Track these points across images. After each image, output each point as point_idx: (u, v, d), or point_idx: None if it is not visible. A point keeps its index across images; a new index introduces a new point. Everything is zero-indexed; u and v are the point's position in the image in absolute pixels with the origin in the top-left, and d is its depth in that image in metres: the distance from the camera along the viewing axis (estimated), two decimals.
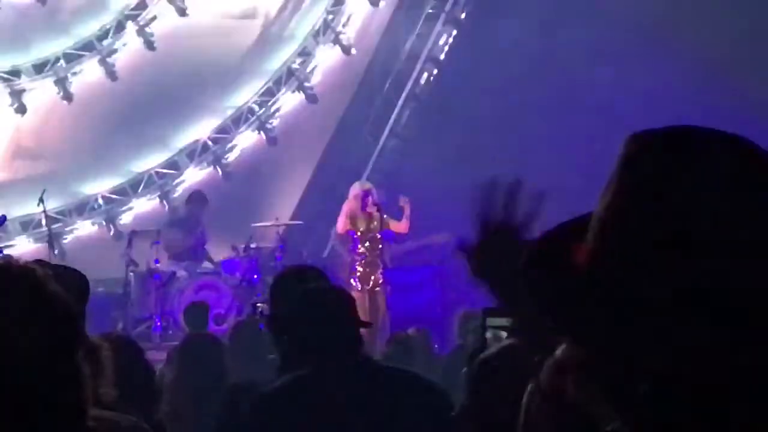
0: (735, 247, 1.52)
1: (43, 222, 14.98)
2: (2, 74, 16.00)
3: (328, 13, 17.18)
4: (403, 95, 17.62)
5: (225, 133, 17.17)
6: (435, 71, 17.74)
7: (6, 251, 13.78)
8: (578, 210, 1.75)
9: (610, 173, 1.64)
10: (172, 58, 16.40)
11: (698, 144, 1.63)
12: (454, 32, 17.49)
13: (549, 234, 1.73)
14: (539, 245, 1.73)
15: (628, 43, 15.52)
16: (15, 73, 15.94)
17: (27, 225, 15.34)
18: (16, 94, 15.88)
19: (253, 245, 15.26)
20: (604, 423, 1.89)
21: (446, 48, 17.61)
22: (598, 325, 1.54)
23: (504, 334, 5.59)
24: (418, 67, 17.50)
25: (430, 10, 17.57)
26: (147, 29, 16.20)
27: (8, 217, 14.30)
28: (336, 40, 17.08)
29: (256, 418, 4.36)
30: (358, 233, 13.95)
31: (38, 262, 4.16)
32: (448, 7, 17.44)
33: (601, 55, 15.33)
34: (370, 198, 14.12)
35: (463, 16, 17.49)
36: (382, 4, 17.19)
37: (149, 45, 16.14)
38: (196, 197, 15.64)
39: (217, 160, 17.07)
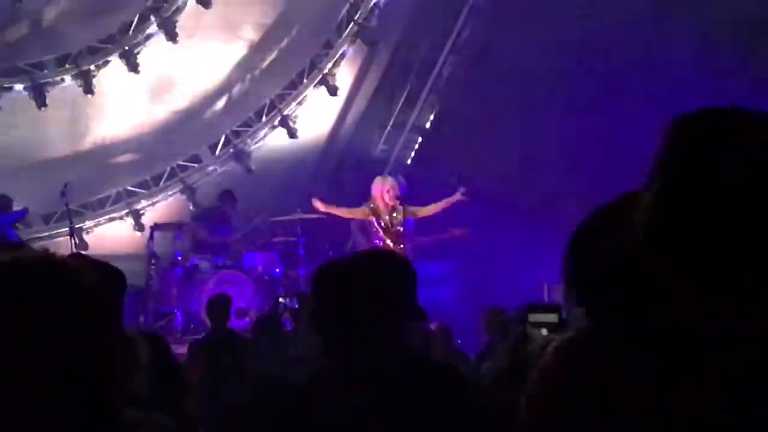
0: None
1: (66, 215, 14.94)
2: (26, 67, 15.99)
3: (351, 6, 17.01)
4: (426, 89, 17.58)
5: (247, 126, 17.16)
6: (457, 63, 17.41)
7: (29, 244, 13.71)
8: None
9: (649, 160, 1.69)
10: (193, 50, 16.48)
11: (738, 125, 1.69)
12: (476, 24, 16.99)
13: (588, 218, 1.84)
14: (581, 231, 1.83)
15: None
16: (39, 65, 15.96)
17: (49, 218, 15.39)
18: (39, 88, 15.89)
19: (274, 239, 15.36)
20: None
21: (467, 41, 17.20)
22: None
23: (543, 330, 5.61)
24: (441, 60, 17.38)
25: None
26: (170, 21, 16.12)
27: (31, 210, 14.53)
28: (358, 34, 17.00)
29: (285, 410, 4.18)
30: (377, 221, 14.01)
31: (77, 255, 4.26)
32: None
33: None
34: (393, 191, 14.15)
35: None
36: None
37: (171, 37, 16.17)
38: (227, 196, 15.70)
39: (239, 154, 17.10)
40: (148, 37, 16.31)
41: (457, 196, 14.15)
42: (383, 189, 14.05)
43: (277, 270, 14.85)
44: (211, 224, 15.38)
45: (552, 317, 6.13)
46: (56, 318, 1.95)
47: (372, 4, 16.93)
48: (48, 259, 2.09)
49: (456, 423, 3.95)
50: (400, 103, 17.58)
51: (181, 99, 16.68)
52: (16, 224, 14.28)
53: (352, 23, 17.04)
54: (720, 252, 1.68)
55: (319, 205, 14.44)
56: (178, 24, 16.15)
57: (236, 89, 17.07)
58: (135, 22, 16.15)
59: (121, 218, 16.81)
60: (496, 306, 10.16)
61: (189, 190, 16.89)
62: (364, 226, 14.46)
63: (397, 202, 14.06)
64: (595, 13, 14.94)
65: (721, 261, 1.68)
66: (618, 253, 1.71)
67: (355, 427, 3.88)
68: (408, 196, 14.54)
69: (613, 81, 15.24)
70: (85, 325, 1.99)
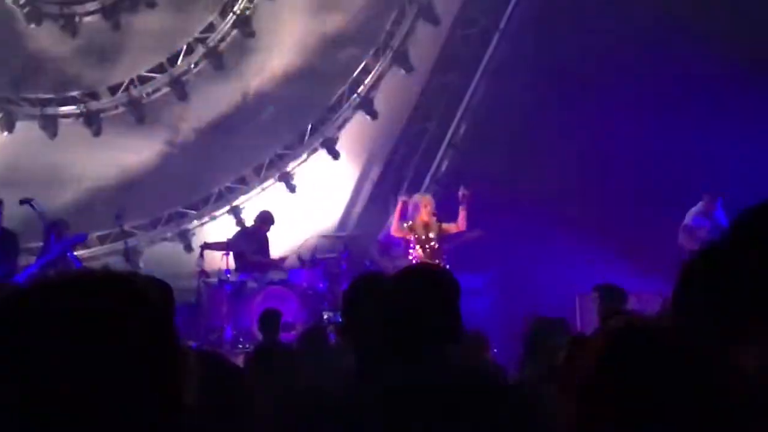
0: None
1: (120, 236, 15.08)
2: (81, 97, 16.07)
3: (389, 32, 16.93)
4: (459, 112, 17.44)
5: (291, 148, 17.15)
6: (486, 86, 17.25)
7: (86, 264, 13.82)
8: None
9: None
10: (239, 77, 16.47)
11: None
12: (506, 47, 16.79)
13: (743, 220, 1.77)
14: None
15: None
16: (92, 95, 16.05)
17: (105, 239, 15.47)
18: (94, 115, 16.06)
19: (318, 255, 15.39)
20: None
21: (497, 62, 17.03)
22: None
23: None
24: (474, 83, 17.21)
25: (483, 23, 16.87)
26: (215, 51, 16.21)
27: (88, 233, 14.49)
28: (396, 59, 16.89)
29: (324, 421, 4.12)
30: (414, 238, 14.05)
31: (131, 273, 4.30)
32: (502, 24, 16.92)
33: None
34: (428, 208, 14.14)
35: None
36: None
37: (217, 66, 16.24)
38: (264, 217, 15.72)
39: (283, 175, 17.11)
40: (196, 65, 16.32)
41: (464, 193, 14.28)
42: (421, 206, 14.13)
43: (321, 285, 14.85)
44: (251, 243, 15.48)
45: None
46: (129, 329, 1.94)
47: (405, 31, 16.76)
48: (119, 276, 2.07)
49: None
50: (435, 124, 17.42)
51: (226, 123, 16.63)
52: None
53: (389, 50, 16.88)
54: None
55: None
56: (224, 54, 16.14)
57: (280, 110, 16.94)
58: (183, 52, 16.19)
59: (172, 238, 16.81)
60: (542, 316, 9.64)
61: (235, 211, 16.94)
62: (389, 247, 14.74)
63: (434, 218, 14.07)
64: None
65: None
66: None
67: (401, 401, 3.78)
68: (440, 212, 14.50)
69: (646, 87, 14.70)
70: (153, 336, 2.01)
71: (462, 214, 14.37)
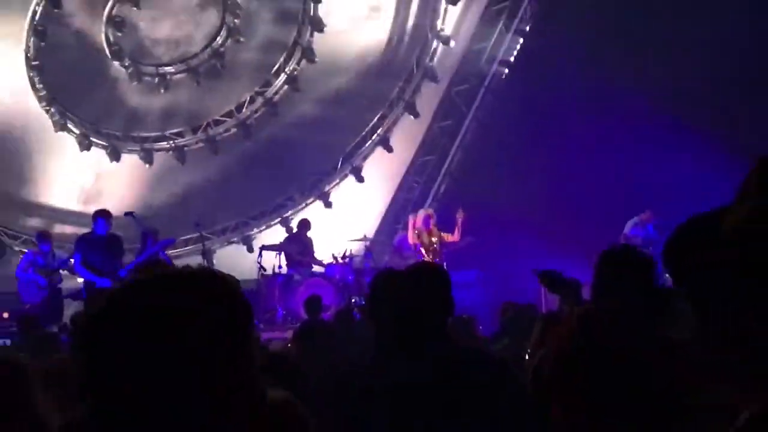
0: None
1: (198, 240, 15.05)
2: (171, 135, 16.18)
3: (401, 88, 16.79)
4: (453, 148, 17.44)
5: (327, 175, 17.24)
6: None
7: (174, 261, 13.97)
8: None
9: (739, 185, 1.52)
10: (290, 121, 16.50)
11: None
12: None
13: (684, 227, 1.61)
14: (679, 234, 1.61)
15: None
16: (179, 133, 16.17)
17: (187, 242, 15.49)
18: (180, 149, 16.19)
19: (348, 254, 15.28)
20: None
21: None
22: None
23: None
24: (465, 126, 17.19)
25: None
26: (271, 101, 16.20)
27: (175, 238, 14.53)
28: (406, 107, 16.82)
29: (341, 391, 4.01)
30: (423, 245, 14.00)
31: (206, 268, 4.14)
32: (486, 81, 16.86)
33: None
34: (431, 220, 14.20)
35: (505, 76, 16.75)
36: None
37: (274, 113, 16.24)
38: (303, 223, 15.70)
39: (321, 195, 17.20)
40: (256, 112, 16.32)
41: (460, 215, 14.08)
42: (425, 217, 14.16)
43: (350, 277, 14.84)
44: (296, 245, 15.37)
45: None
46: (197, 329, 1.79)
47: (413, 88, 16.64)
48: (213, 271, 1.91)
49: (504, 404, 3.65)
50: (436, 157, 17.43)
51: (278, 156, 16.53)
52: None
53: (401, 101, 16.79)
54: None
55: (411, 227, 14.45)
56: (277, 104, 16.16)
57: (319, 145, 16.74)
58: (247, 102, 16.17)
59: (237, 242, 16.84)
60: (508, 301, 9.84)
61: (285, 221, 16.96)
62: (400, 249, 14.70)
63: (435, 227, 14.11)
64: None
65: None
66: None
67: (406, 396, 3.61)
68: (439, 222, 14.55)
69: (598, 129, 14.32)
70: (242, 320, 1.87)
71: (457, 228, 14.28)
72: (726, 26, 13.06)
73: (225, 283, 1.85)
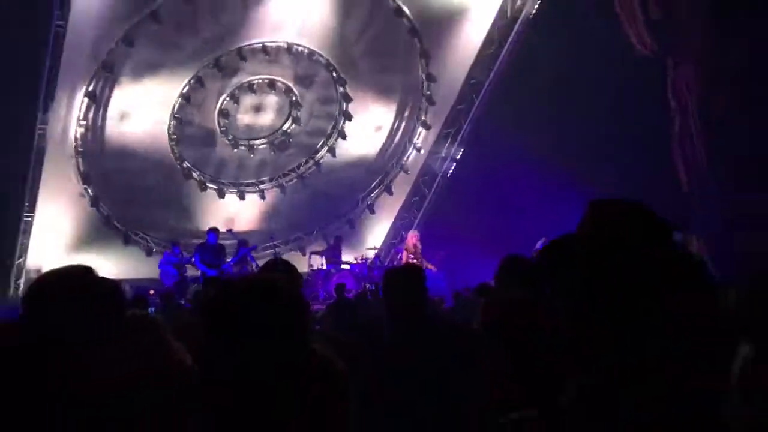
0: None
1: (272, 247, 15.15)
2: (257, 182, 15.90)
3: (397, 159, 16.62)
4: (435, 184, 17.09)
5: (351, 208, 16.92)
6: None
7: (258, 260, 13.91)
8: None
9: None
10: (328, 177, 16.17)
11: (619, 212, 1.34)
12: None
13: (550, 245, 1.50)
14: (548, 250, 1.49)
15: None
16: (261, 181, 15.91)
17: (265, 248, 15.21)
18: (261, 191, 15.86)
19: (364, 258, 15.46)
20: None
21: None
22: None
23: None
24: (444, 166, 16.87)
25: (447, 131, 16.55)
26: (318, 163, 15.97)
27: (257, 245, 14.64)
28: (401, 168, 16.66)
29: (370, 339, 3.73)
30: (411, 259, 13.72)
31: (285, 263, 4.06)
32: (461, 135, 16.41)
33: None
34: (416, 239, 14.29)
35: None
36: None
37: (318, 170, 16.06)
38: (337, 237, 15.90)
39: (347, 221, 16.92)
40: (309, 169, 15.94)
41: (439, 253, 14.12)
42: (415, 239, 14.23)
43: (365, 272, 14.82)
44: (332, 252, 15.51)
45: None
46: (277, 310, 1.73)
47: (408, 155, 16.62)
48: (274, 279, 1.84)
49: (458, 342, 3.40)
50: (419, 198, 17.27)
51: (322, 193, 16.21)
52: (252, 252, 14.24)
53: (398, 168, 16.72)
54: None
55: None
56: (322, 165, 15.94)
57: (346, 190, 16.57)
58: (302, 163, 15.86)
59: (294, 248, 16.53)
60: (458, 290, 10.18)
61: (325, 236, 16.56)
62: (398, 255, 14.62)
63: (419, 249, 13.98)
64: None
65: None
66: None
67: (409, 351, 3.41)
68: (424, 240, 14.46)
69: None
70: (302, 306, 1.85)
71: (435, 261, 14.16)
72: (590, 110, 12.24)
73: (285, 287, 1.82)
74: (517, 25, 14.44)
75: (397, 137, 16.42)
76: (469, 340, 3.30)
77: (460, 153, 16.45)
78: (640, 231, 1.30)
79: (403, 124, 16.23)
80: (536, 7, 14.14)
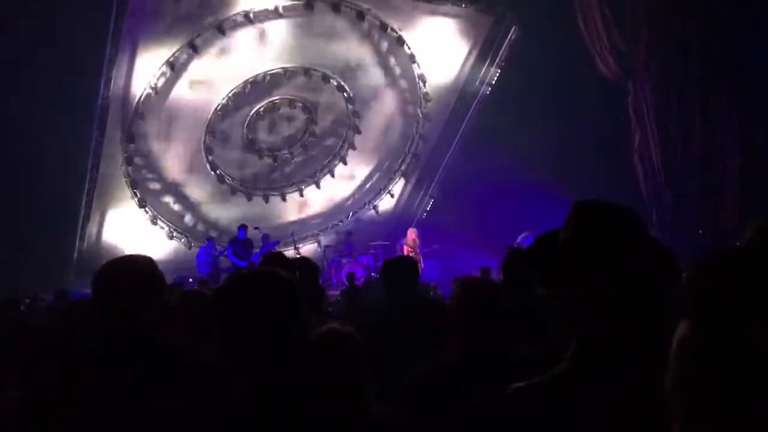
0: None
1: (293, 242, 14.86)
2: (278, 186, 15.83)
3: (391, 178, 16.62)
4: (430, 188, 17.01)
5: (361, 209, 16.87)
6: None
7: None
8: None
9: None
10: (340, 183, 16.20)
11: (600, 212, 1.26)
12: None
13: (540, 238, 1.39)
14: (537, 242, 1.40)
15: None
16: (283, 186, 15.80)
17: (287, 243, 14.93)
18: (283, 195, 15.83)
19: (371, 250, 15.41)
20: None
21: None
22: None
23: None
24: (438, 176, 16.67)
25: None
26: (332, 170, 15.92)
27: (280, 240, 14.46)
28: (404, 176, 16.63)
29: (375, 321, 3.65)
30: (411, 252, 13.68)
31: (303, 258, 3.97)
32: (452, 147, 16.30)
33: None
34: (415, 234, 14.35)
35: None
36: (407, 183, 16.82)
37: (332, 175, 16.02)
38: (349, 234, 15.84)
39: (357, 219, 16.84)
40: (325, 174, 15.98)
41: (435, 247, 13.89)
42: (414, 234, 14.30)
43: (372, 263, 14.80)
44: (345, 246, 15.58)
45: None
46: (288, 293, 1.60)
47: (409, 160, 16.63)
48: (275, 272, 1.65)
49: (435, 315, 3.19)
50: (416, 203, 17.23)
51: (333, 203, 16.40)
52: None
53: (399, 172, 16.69)
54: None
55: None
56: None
57: (356, 196, 16.62)
58: (319, 169, 15.82)
59: (312, 242, 16.49)
60: (458, 276, 10.04)
61: (338, 233, 16.57)
62: (401, 248, 14.19)
63: (418, 242, 14.00)
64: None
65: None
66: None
67: (404, 324, 3.39)
68: (422, 236, 14.49)
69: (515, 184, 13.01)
70: (297, 297, 1.63)
71: (431, 253, 14.13)
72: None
73: (284, 277, 1.65)
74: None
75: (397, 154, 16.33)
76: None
77: (450, 167, 16.34)
78: (621, 227, 1.25)
79: (403, 143, 16.15)
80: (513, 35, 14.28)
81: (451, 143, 16.14)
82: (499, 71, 14.71)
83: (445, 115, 15.93)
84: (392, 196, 16.73)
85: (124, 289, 1.77)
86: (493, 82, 14.88)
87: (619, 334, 1.19)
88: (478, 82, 15.13)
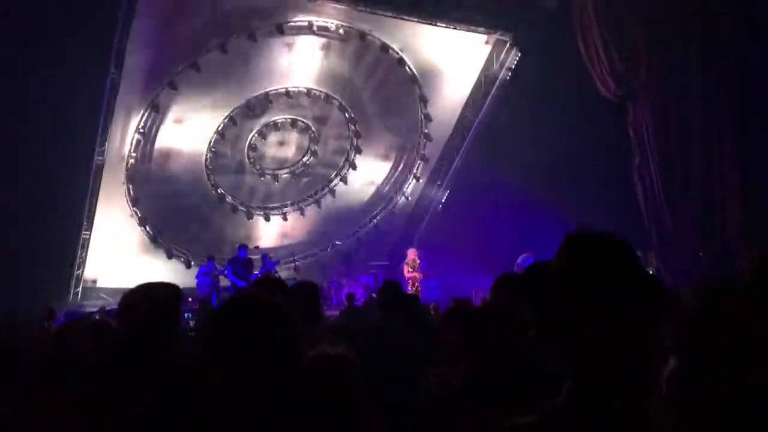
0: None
1: (291, 262, 15.02)
2: (280, 206, 15.90)
3: (393, 195, 16.73)
4: (428, 215, 17.04)
5: (360, 228, 16.79)
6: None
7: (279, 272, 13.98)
8: None
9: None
10: (340, 201, 16.18)
11: (592, 244, 1.26)
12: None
13: (532, 267, 1.40)
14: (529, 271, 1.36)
15: None
16: (284, 205, 15.88)
17: (286, 263, 15.06)
18: (284, 214, 15.79)
19: (371, 272, 15.52)
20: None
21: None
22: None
23: None
24: (422, 225, 16.97)
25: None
26: (332, 189, 15.91)
27: (280, 260, 14.50)
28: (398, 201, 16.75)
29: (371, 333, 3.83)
30: (411, 272, 13.66)
31: (305, 281, 3.87)
32: (444, 185, 16.47)
33: None
34: (415, 254, 14.19)
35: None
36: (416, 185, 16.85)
37: (333, 195, 16.05)
38: (348, 256, 15.96)
39: (356, 239, 16.80)
40: (325, 194, 16.04)
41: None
42: (414, 254, 14.20)
43: (372, 283, 14.84)
44: (345, 266, 15.63)
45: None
46: (280, 315, 1.59)
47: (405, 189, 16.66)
48: (266, 299, 1.63)
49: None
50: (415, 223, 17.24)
51: (333, 218, 16.21)
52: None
53: (399, 195, 16.75)
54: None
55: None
56: (336, 190, 15.96)
57: (355, 213, 16.51)
58: (319, 189, 15.87)
59: (312, 264, 16.30)
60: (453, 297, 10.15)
61: (338, 252, 16.56)
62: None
63: (418, 261, 13.91)
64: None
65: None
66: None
67: (399, 341, 3.51)
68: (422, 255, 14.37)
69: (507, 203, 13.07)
70: (289, 320, 1.61)
71: (431, 273, 14.12)
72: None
73: (276, 305, 1.62)
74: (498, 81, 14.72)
75: (399, 168, 16.41)
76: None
77: (451, 185, 16.44)
78: (612, 260, 1.24)
79: (404, 156, 16.26)
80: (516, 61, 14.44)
81: (453, 162, 16.26)
82: (500, 91, 14.87)
83: (446, 134, 16.06)
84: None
85: (146, 315, 1.89)
86: (495, 101, 15.05)
87: (613, 368, 1.18)
88: (479, 101, 15.26)
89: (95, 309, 11.75)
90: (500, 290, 3.34)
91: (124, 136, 13.38)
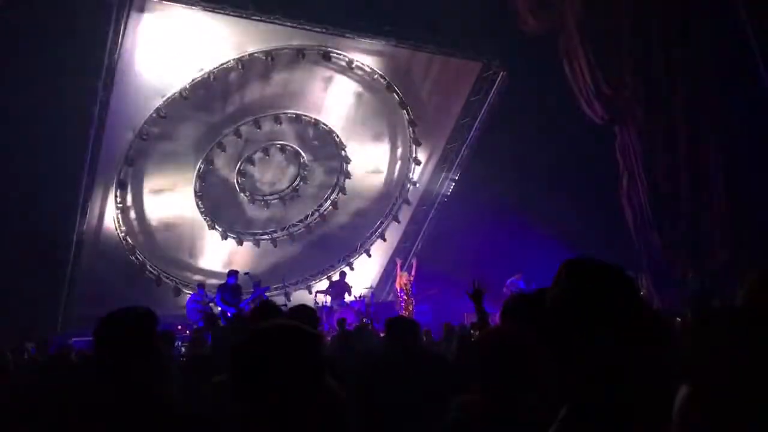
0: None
1: (283, 288, 14.93)
2: (269, 231, 15.78)
3: (389, 211, 16.64)
4: (419, 240, 17.01)
5: (351, 253, 16.72)
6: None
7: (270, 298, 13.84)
8: None
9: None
10: (331, 226, 16.24)
11: (591, 274, 1.24)
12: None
13: (527, 294, 1.35)
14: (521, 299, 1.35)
15: None
16: (273, 230, 15.76)
17: (277, 288, 15.11)
18: (274, 239, 15.73)
19: (362, 295, 15.33)
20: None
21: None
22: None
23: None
24: (425, 226, 16.82)
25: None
26: (322, 215, 15.98)
27: (270, 285, 14.38)
28: (394, 218, 16.53)
29: (370, 365, 3.85)
30: (403, 286, 13.66)
31: (303, 306, 3.76)
32: (435, 204, 16.46)
33: None
34: (406, 279, 14.27)
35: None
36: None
37: (323, 220, 16.03)
38: (342, 274, 15.75)
39: (348, 264, 16.76)
40: (315, 219, 15.99)
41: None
42: (405, 278, 14.13)
43: (363, 309, 14.73)
44: (336, 290, 15.37)
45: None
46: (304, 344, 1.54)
47: (397, 207, 16.43)
48: (291, 325, 1.56)
49: (438, 369, 3.66)
50: (410, 243, 17.06)
51: (325, 242, 16.12)
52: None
53: (390, 215, 16.60)
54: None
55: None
56: (327, 215, 15.93)
57: (347, 237, 16.47)
58: (309, 214, 15.81)
59: (302, 288, 16.37)
60: (447, 322, 9.89)
61: (329, 277, 16.45)
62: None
63: (411, 281, 13.88)
64: None
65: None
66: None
67: (399, 373, 3.50)
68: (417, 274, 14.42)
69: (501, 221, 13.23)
70: (312, 345, 1.55)
71: (422, 297, 14.25)
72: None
73: (300, 331, 1.58)
74: (489, 98, 14.75)
75: (394, 177, 16.35)
76: (443, 365, 3.61)
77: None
78: (608, 287, 1.23)
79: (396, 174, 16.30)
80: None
81: (443, 185, 16.31)
82: (488, 116, 14.95)
83: (435, 157, 16.12)
84: (384, 240, 16.83)
85: (119, 342, 1.82)
86: (483, 125, 15.14)
87: (608, 397, 1.17)
88: (467, 125, 15.39)
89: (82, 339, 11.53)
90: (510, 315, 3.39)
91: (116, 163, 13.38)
